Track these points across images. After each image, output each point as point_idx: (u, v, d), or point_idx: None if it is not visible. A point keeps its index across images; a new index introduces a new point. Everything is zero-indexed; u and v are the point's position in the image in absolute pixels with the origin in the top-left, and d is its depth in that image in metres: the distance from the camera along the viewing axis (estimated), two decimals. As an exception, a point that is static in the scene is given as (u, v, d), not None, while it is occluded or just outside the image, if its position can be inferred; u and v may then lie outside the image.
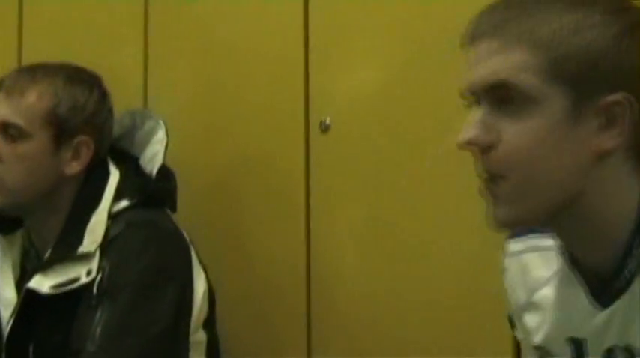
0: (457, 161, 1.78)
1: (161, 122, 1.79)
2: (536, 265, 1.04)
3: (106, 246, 1.62)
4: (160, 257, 1.64)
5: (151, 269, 1.62)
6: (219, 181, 2.12)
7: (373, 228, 1.91)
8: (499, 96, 0.89)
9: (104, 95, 1.77)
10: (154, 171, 1.75)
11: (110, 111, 1.78)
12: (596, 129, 0.87)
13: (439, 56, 1.81)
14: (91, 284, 1.59)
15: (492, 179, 0.91)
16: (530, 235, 1.05)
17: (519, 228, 1.05)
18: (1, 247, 1.75)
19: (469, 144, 0.91)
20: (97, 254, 1.61)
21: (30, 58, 2.21)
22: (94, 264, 1.60)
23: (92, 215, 1.66)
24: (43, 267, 1.65)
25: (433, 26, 1.84)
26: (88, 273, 1.59)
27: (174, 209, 1.79)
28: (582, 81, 0.86)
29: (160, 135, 1.77)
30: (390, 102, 1.90)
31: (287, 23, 2.04)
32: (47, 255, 1.66)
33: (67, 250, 1.64)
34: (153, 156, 1.76)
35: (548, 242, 1.02)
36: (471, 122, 0.92)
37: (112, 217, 1.66)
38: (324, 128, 1.95)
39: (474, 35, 0.92)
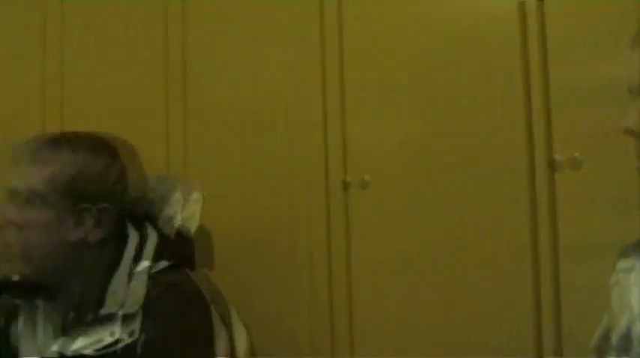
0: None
1: (176, 184, 1.83)
2: None
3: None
4: (187, 319, 1.67)
5: (180, 330, 1.65)
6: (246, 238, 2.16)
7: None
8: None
9: (125, 165, 1.82)
10: (173, 233, 1.79)
11: (128, 178, 1.82)
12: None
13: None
14: (115, 344, 1.63)
15: None
16: None
17: (629, 246, 1.21)
18: (44, 312, 1.81)
19: None
20: (121, 316, 1.65)
21: None
22: (117, 328, 1.64)
23: (112, 277, 1.71)
24: (67, 330, 1.70)
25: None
26: (131, 334, 1.63)
27: (192, 268, 1.81)
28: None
29: (177, 196, 1.81)
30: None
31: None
32: (70, 318, 1.72)
33: (89, 313, 1.69)
34: (170, 217, 1.80)
35: None
36: None
37: (133, 278, 1.70)
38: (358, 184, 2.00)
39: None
